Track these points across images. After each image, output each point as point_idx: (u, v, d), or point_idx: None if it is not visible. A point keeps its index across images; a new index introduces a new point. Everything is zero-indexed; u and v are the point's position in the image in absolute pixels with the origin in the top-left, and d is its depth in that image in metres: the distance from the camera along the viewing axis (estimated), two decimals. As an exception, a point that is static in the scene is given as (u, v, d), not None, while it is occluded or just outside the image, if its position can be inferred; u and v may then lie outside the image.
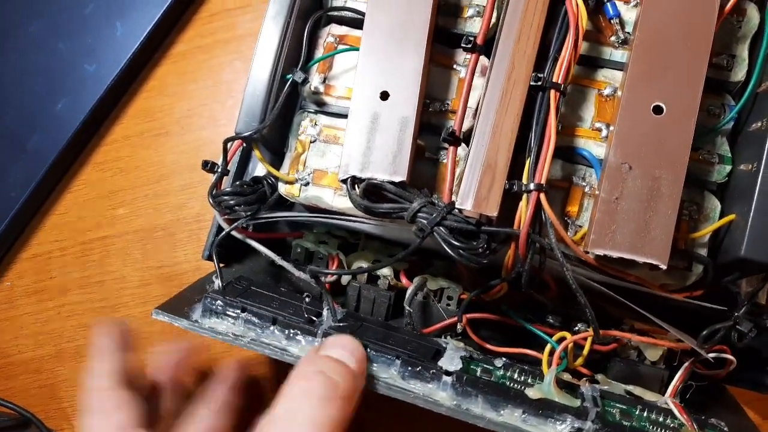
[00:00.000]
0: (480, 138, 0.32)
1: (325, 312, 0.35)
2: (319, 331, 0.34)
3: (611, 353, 0.36)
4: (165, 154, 0.51)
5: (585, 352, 0.35)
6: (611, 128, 0.33)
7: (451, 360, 0.33)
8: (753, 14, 0.34)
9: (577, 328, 0.36)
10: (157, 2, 0.50)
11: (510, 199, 0.31)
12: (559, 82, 0.32)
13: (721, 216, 0.33)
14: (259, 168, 0.43)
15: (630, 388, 0.35)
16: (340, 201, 0.36)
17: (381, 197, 0.33)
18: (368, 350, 0.33)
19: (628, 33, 0.34)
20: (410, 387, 0.32)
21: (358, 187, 0.33)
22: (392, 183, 0.32)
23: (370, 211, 0.33)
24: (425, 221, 0.31)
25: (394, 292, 0.39)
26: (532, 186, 0.31)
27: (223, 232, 0.37)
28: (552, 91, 0.32)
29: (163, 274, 0.50)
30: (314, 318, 0.34)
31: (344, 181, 0.33)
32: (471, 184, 0.31)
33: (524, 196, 0.31)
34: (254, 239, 0.37)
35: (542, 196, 0.31)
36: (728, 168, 0.33)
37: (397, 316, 0.40)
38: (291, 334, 0.34)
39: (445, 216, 0.31)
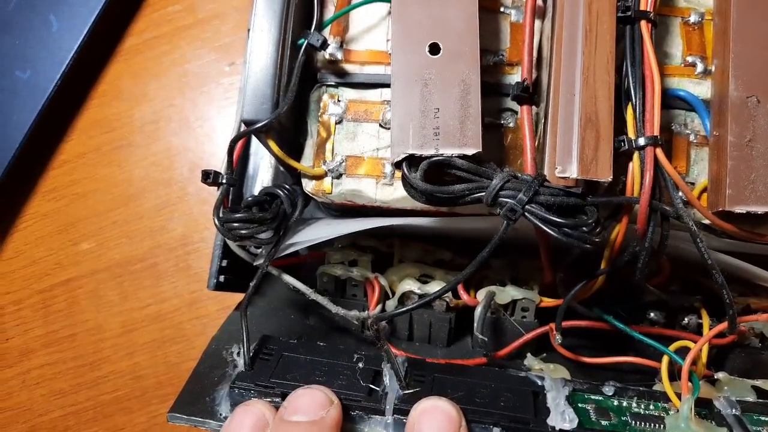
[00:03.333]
0: (567, 87, 0.25)
1: (386, 376, 0.27)
2: (388, 407, 0.26)
3: (729, 345, 0.30)
4: (131, 169, 0.42)
5: (704, 357, 0.28)
6: (714, 61, 0.27)
7: (558, 409, 0.26)
8: None
9: (685, 321, 0.30)
10: (99, -14, 0.41)
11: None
12: (649, 9, 0.26)
13: None
14: (261, 170, 0.35)
15: (759, 383, 0.29)
16: (385, 192, 0.28)
17: (445, 178, 0.25)
18: None
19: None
20: None
21: (415, 171, 0.25)
22: (463, 157, 0.25)
23: (435, 198, 0.25)
24: (512, 200, 0.24)
25: (453, 313, 0.31)
26: (642, 141, 0.24)
27: (249, 289, 0.28)
28: (643, 22, 0.26)
29: (150, 315, 0.41)
30: (374, 387, 0.26)
31: (398, 164, 0.25)
32: (569, 145, 0.24)
33: (635, 155, 0.25)
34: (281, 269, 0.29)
35: (659, 151, 0.24)
36: None
37: (458, 337, 0.33)
38: (352, 417, 0.26)
39: (537, 190, 0.24)
